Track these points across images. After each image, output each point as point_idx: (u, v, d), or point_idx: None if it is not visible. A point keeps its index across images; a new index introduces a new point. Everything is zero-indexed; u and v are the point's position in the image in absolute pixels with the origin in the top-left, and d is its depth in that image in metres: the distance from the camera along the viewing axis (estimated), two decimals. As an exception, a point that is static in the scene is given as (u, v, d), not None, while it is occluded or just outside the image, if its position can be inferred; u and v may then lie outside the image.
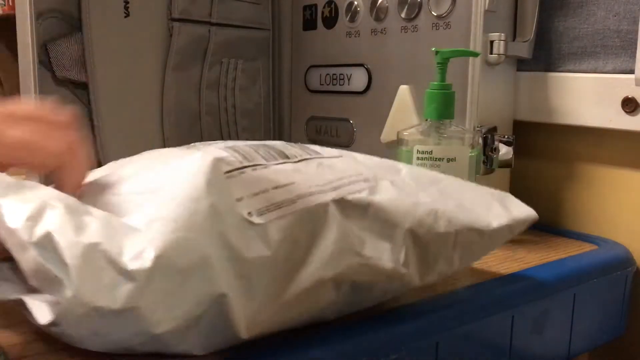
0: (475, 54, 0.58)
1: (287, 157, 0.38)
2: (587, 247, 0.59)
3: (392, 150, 0.60)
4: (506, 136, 0.61)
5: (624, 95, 0.59)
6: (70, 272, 0.28)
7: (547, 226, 0.67)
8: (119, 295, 0.28)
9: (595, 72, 0.63)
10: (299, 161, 0.38)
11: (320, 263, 0.34)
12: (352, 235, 0.35)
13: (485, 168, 0.62)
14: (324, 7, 0.76)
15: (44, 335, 0.36)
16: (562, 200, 0.68)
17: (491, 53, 0.61)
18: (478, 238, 0.41)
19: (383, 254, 0.36)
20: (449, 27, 0.62)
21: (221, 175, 0.33)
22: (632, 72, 0.58)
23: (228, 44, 0.78)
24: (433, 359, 0.42)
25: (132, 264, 0.28)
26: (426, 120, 0.57)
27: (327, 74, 0.77)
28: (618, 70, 0.61)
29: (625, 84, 0.59)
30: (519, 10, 0.64)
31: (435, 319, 0.42)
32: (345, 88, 0.74)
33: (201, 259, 0.30)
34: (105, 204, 0.34)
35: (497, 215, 0.41)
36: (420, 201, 0.39)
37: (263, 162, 0.36)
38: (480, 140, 0.61)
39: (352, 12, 0.72)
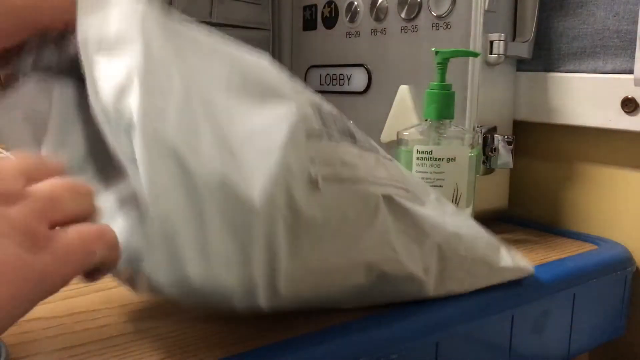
0: (475, 54, 0.58)
1: (354, 139, 0.39)
2: (587, 247, 0.59)
3: (392, 150, 0.60)
4: (506, 136, 0.61)
5: (623, 95, 0.59)
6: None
7: (547, 226, 0.67)
8: None
9: (595, 72, 0.63)
10: (363, 148, 0.40)
11: (362, 245, 0.36)
12: (392, 231, 0.38)
13: (485, 168, 0.62)
14: (324, 7, 0.77)
15: (44, 335, 0.36)
16: (562, 200, 0.68)
17: (491, 53, 0.61)
18: (487, 270, 0.44)
19: (412, 257, 0.39)
20: (449, 27, 0.62)
21: (302, 134, 0.34)
22: (631, 72, 0.58)
23: (228, 44, 0.78)
24: (433, 359, 0.42)
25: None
26: (426, 120, 0.57)
27: (327, 74, 0.77)
28: (618, 71, 0.61)
29: (625, 84, 0.59)
30: (518, 10, 0.64)
31: (435, 319, 0.42)
32: (345, 88, 0.74)
33: (266, 199, 0.31)
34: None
35: (503, 257, 0.45)
36: (447, 223, 0.42)
37: (337, 135, 0.38)
38: (480, 140, 0.61)
39: (352, 12, 0.72)
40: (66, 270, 0.26)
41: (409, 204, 0.39)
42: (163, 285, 0.30)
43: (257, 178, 0.31)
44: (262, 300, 0.33)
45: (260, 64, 0.36)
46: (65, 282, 0.26)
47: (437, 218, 0.41)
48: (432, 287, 0.41)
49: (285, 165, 0.32)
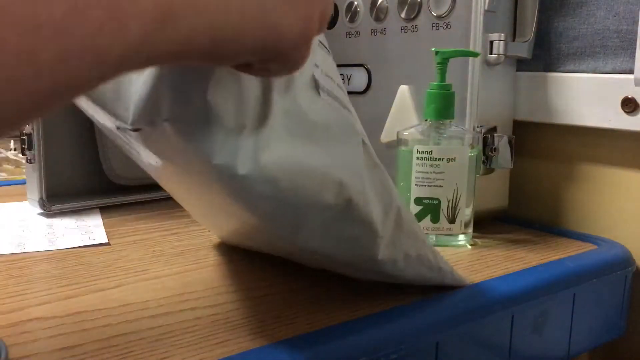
0: (475, 54, 0.58)
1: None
2: (587, 247, 0.59)
3: (392, 150, 0.60)
4: (506, 136, 0.61)
5: (623, 95, 0.59)
6: None
7: (547, 226, 0.67)
8: None
9: (594, 72, 0.63)
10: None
11: (340, 162, 0.35)
12: (365, 169, 0.37)
13: (485, 168, 0.62)
14: (324, 7, 0.76)
15: (44, 335, 0.36)
16: (562, 200, 0.68)
17: (491, 53, 0.61)
18: (432, 260, 0.43)
19: (374, 205, 0.37)
20: (449, 27, 0.62)
21: (316, 39, 0.34)
22: (631, 72, 0.58)
23: (228, 44, 0.78)
24: (433, 359, 0.42)
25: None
26: (426, 120, 0.57)
27: (327, 74, 0.77)
28: (618, 71, 0.61)
29: (625, 84, 0.59)
30: (518, 10, 0.64)
31: (435, 319, 0.42)
32: (345, 88, 0.74)
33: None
34: None
35: (442, 259, 0.45)
36: (401, 206, 0.41)
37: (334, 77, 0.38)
38: (480, 140, 0.61)
39: (352, 12, 0.72)
40: None
41: (378, 161, 0.39)
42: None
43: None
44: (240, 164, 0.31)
45: None
46: None
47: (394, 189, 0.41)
48: (383, 246, 0.39)
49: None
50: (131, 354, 0.34)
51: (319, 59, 0.35)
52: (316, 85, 0.34)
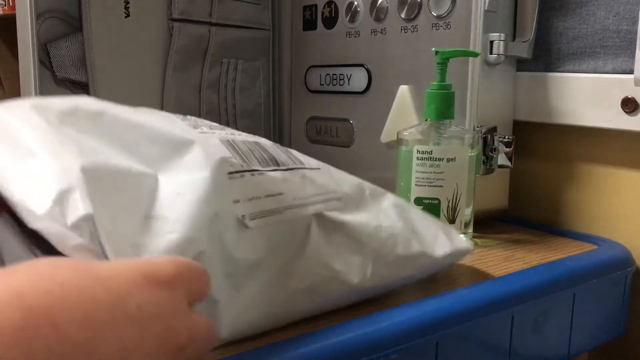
0: (475, 54, 0.58)
1: (277, 164, 0.39)
2: (587, 247, 0.59)
3: (392, 150, 0.60)
4: (506, 136, 0.61)
5: (623, 95, 0.59)
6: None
7: (547, 226, 0.67)
8: None
9: (594, 72, 0.63)
10: (286, 169, 0.39)
11: (299, 272, 0.37)
12: (326, 250, 0.38)
13: (485, 168, 0.62)
14: (324, 8, 0.77)
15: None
16: (562, 200, 0.68)
17: (491, 53, 0.61)
18: (428, 262, 0.45)
19: (352, 269, 0.39)
20: (449, 27, 0.62)
21: (225, 176, 0.34)
22: (631, 72, 0.58)
23: (228, 44, 0.78)
24: (433, 359, 0.42)
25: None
26: (426, 120, 0.57)
27: (327, 74, 0.77)
28: (618, 71, 0.61)
29: (625, 84, 0.59)
30: (518, 10, 0.64)
31: (435, 319, 0.42)
32: (345, 88, 0.74)
33: (195, 255, 0.31)
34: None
35: (442, 244, 0.45)
36: (382, 225, 0.42)
37: (259, 167, 0.37)
38: (480, 140, 0.61)
39: (352, 13, 0.72)
40: None
41: (341, 216, 0.39)
42: None
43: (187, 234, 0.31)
44: None
45: (154, 122, 0.35)
46: None
47: (372, 221, 0.41)
48: (377, 290, 0.43)
49: (214, 215, 0.32)
50: (131, 354, 0.34)
51: (237, 193, 0.35)
52: (241, 222, 0.34)
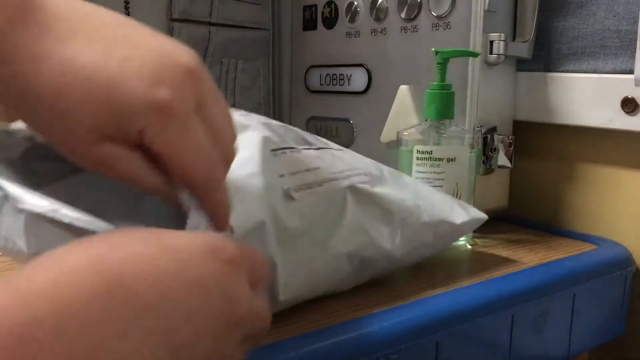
0: (474, 54, 0.58)
1: (309, 143, 0.43)
2: (587, 247, 0.59)
3: (392, 150, 0.60)
4: (506, 136, 0.61)
5: (623, 95, 0.59)
6: None
7: (547, 226, 0.67)
8: None
9: (594, 72, 0.63)
10: (318, 149, 0.43)
11: (340, 239, 0.40)
12: (362, 218, 0.41)
13: (485, 168, 0.62)
14: (324, 8, 0.77)
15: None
16: (562, 200, 0.68)
17: (491, 53, 0.61)
18: (449, 230, 0.48)
19: (383, 237, 0.43)
20: (449, 27, 0.62)
21: (269, 153, 0.38)
22: (631, 72, 0.58)
23: (228, 44, 0.78)
24: (433, 358, 0.42)
25: None
26: (426, 120, 0.57)
27: (327, 74, 0.77)
28: (618, 71, 0.61)
29: (625, 84, 0.59)
30: (518, 10, 0.64)
31: (435, 319, 0.42)
32: (345, 88, 0.74)
33: (257, 224, 0.34)
34: None
35: (459, 214, 0.49)
36: (406, 197, 0.45)
37: (295, 145, 0.41)
38: (480, 140, 0.61)
39: (352, 12, 0.72)
40: None
41: (371, 188, 0.43)
42: None
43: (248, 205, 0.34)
44: None
45: None
46: None
47: (397, 194, 0.45)
48: (405, 259, 0.45)
49: (266, 187, 0.36)
50: (131, 354, 0.34)
51: (281, 168, 0.38)
52: (287, 194, 0.37)
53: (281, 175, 0.38)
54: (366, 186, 0.43)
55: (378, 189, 0.43)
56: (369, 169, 0.45)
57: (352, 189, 0.41)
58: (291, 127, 0.44)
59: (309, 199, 0.38)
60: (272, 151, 0.38)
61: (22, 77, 0.26)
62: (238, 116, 0.39)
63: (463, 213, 0.49)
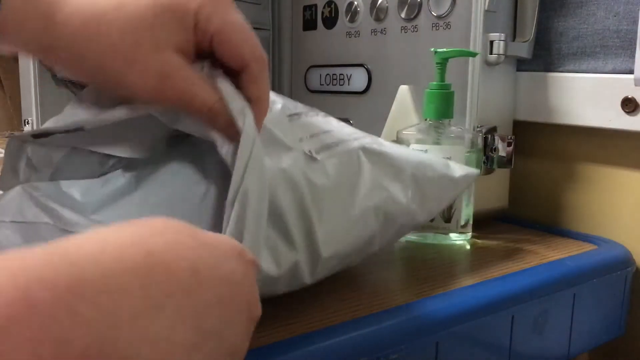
0: (472, 54, 0.58)
1: (315, 111, 0.44)
2: (587, 247, 0.59)
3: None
4: (506, 136, 0.61)
5: (623, 95, 0.59)
6: None
7: (547, 226, 0.67)
8: None
9: (595, 72, 0.63)
10: (324, 116, 0.45)
11: (363, 194, 0.42)
12: (378, 175, 0.43)
13: (485, 168, 0.62)
14: (324, 8, 0.77)
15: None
16: (562, 200, 0.68)
17: (491, 53, 0.61)
18: (450, 184, 0.50)
19: (398, 192, 0.44)
20: (449, 27, 0.62)
21: (286, 118, 0.40)
22: (631, 72, 0.58)
23: (228, 44, 0.78)
24: (433, 359, 0.42)
25: None
26: (425, 119, 0.57)
27: (327, 74, 0.77)
28: (618, 71, 0.61)
29: (625, 84, 0.59)
30: (519, 10, 0.64)
31: (435, 319, 0.42)
32: (345, 88, 0.74)
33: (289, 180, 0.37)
34: None
35: (454, 170, 0.50)
36: (408, 155, 0.47)
37: (304, 110, 0.43)
38: (481, 140, 0.61)
39: (352, 12, 0.72)
40: None
41: (379, 148, 0.45)
42: None
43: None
44: (307, 277, 0.38)
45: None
46: None
47: (402, 153, 0.47)
48: (419, 213, 0.46)
49: (288, 150, 0.38)
50: (131, 354, 0.34)
51: (300, 132, 0.40)
52: (310, 156, 0.39)
53: (301, 139, 0.39)
54: (375, 146, 0.44)
55: (385, 148, 0.45)
56: (369, 135, 0.47)
57: (364, 149, 0.43)
58: (294, 101, 0.45)
59: (331, 159, 0.40)
60: (289, 116, 0.40)
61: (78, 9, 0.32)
62: None
63: (458, 168, 0.51)
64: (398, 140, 0.58)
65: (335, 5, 0.75)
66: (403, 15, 0.66)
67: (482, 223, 0.63)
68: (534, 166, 0.70)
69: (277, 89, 0.85)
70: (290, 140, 0.39)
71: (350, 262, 0.43)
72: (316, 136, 0.41)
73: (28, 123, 0.69)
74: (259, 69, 0.34)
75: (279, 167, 0.37)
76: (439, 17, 0.62)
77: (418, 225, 0.48)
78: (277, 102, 0.40)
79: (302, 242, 0.37)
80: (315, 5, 0.78)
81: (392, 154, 0.45)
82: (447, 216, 0.56)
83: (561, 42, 0.65)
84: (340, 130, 0.44)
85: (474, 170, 0.53)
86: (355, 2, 0.72)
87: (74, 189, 0.40)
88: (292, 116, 0.40)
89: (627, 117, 0.59)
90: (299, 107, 0.43)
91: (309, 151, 0.39)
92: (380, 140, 0.48)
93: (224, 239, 0.28)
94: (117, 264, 0.21)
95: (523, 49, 0.64)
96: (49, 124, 0.37)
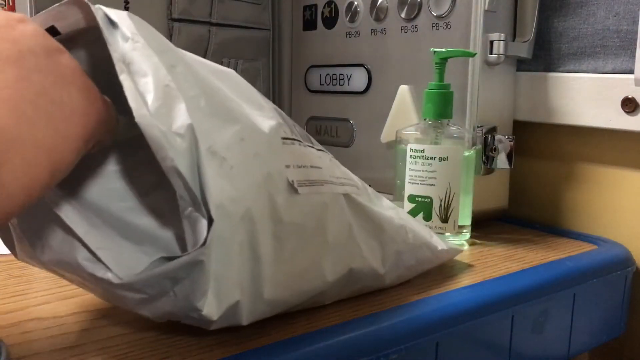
0: (471, 54, 0.58)
1: (311, 142, 0.42)
2: (587, 247, 0.59)
3: (392, 150, 0.60)
4: (506, 136, 0.61)
5: (623, 95, 0.59)
6: None
7: (547, 226, 0.67)
8: None
9: (595, 72, 0.63)
10: (319, 150, 0.42)
11: (332, 244, 0.38)
12: (355, 229, 0.41)
13: (485, 168, 0.62)
14: (324, 7, 0.77)
15: (44, 335, 0.36)
16: (562, 200, 0.68)
17: (491, 53, 0.61)
18: (430, 254, 0.47)
19: (372, 252, 0.42)
20: (449, 27, 0.62)
21: (279, 140, 0.36)
22: (632, 72, 0.58)
23: (228, 44, 0.78)
24: (433, 358, 0.42)
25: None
26: (424, 119, 0.57)
27: (327, 74, 0.77)
28: (618, 71, 0.61)
29: (625, 84, 0.59)
30: (518, 10, 0.64)
31: (435, 319, 0.42)
32: (345, 88, 0.74)
33: (248, 211, 0.32)
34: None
35: (437, 241, 0.49)
36: (393, 216, 0.45)
37: (301, 139, 0.40)
38: (480, 140, 0.61)
39: (352, 12, 0.72)
40: None
41: (363, 201, 0.42)
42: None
43: (242, 188, 0.32)
44: (244, 317, 0.34)
45: (233, 76, 0.38)
46: None
47: (386, 212, 0.44)
48: (388, 277, 0.44)
49: (267, 174, 0.34)
50: (131, 354, 0.34)
51: (289, 159, 0.36)
52: (292, 186, 0.36)
53: (287, 166, 0.36)
54: (359, 198, 0.42)
55: (368, 204, 0.43)
56: (359, 184, 0.44)
57: (348, 197, 0.40)
58: (297, 126, 0.43)
59: (311, 197, 0.37)
60: (283, 139, 0.37)
61: None
62: (256, 94, 0.38)
63: (441, 242, 0.49)
64: (398, 140, 0.58)
65: (335, 5, 0.75)
66: (403, 15, 0.66)
67: (482, 223, 0.63)
68: (534, 166, 0.70)
69: (277, 89, 0.85)
70: (275, 164, 0.35)
71: (290, 309, 0.39)
72: (304, 168, 0.38)
73: None
74: None
75: (261, 173, 0.34)
76: (439, 17, 0.62)
77: (382, 287, 0.45)
78: (273, 118, 0.37)
79: (247, 284, 0.33)
80: (315, 5, 0.78)
81: (376, 211, 0.43)
82: (444, 216, 0.56)
83: (561, 42, 0.65)
84: (331, 169, 0.41)
85: (457, 248, 0.52)
86: (355, 2, 0.72)
87: None
88: (286, 140, 0.37)
89: (627, 117, 0.59)
90: (296, 132, 0.40)
91: (292, 181, 0.36)
92: (373, 192, 0.45)
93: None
94: None
95: (523, 49, 0.64)
96: None
